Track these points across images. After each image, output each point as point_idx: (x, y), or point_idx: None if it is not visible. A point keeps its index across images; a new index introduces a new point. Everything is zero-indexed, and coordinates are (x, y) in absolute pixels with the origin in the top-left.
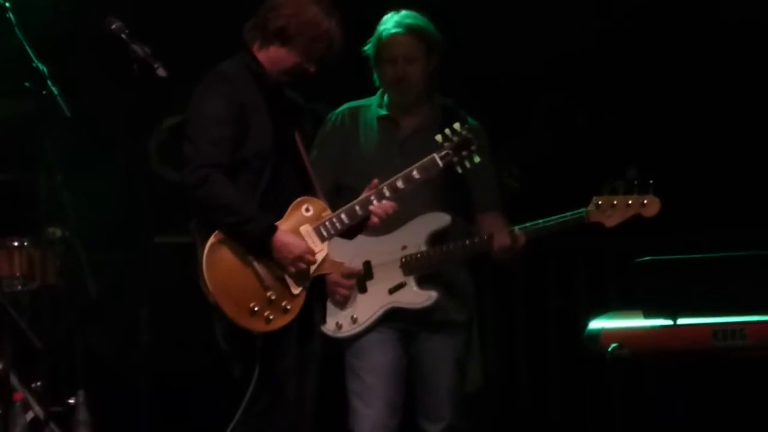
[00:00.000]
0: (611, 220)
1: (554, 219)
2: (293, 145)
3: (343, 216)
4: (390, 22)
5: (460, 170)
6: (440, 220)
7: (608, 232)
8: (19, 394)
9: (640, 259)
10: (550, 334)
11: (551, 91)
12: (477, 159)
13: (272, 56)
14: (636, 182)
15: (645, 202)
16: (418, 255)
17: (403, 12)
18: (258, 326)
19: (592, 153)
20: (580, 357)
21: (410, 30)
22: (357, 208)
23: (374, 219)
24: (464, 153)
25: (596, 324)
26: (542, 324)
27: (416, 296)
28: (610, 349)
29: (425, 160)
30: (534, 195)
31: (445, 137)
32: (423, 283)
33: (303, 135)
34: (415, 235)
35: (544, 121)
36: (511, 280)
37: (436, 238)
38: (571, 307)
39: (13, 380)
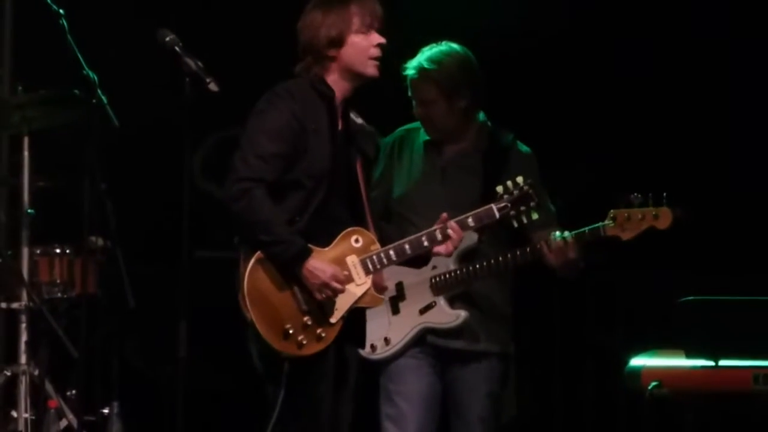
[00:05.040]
0: (627, 234)
1: (572, 233)
2: (353, 172)
3: (391, 252)
4: (412, 62)
5: (516, 225)
6: (468, 239)
7: (652, 270)
8: (54, 402)
9: (684, 299)
10: (587, 369)
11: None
12: (535, 216)
13: (343, 65)
14: (650, 194)
15: (657, 214)
16: (447, 274)
17: (432, 49)
18: (290, 350)
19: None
20: (617, 394)
21: (422, 73)
22: (407, 246)
23: (448, 246)
24: (522, 208)
25: (637, 361)
26: (580, 359)
27: (445, 316)
28: (650, 387)
29: (482, 209)
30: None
31: (506, 189)
32: (455, 303)
33: (367, 163)
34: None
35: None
36: (550, 314)
37: (465, 257)
38: (610, 343)
39: (49, 387)
